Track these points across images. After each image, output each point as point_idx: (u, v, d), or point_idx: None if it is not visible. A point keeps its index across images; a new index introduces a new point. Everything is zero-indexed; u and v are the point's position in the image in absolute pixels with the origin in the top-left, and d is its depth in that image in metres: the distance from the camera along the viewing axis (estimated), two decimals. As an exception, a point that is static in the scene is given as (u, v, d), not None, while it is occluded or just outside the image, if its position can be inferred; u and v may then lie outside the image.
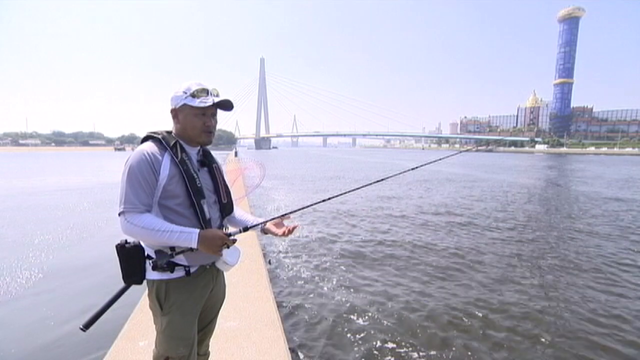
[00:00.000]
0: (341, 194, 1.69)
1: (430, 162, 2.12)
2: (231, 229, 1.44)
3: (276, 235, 1.46)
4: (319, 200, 1.65)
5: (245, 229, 1.40)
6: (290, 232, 1.45)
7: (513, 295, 3.82)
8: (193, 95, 1.30)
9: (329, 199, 1.65)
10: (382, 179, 1.81)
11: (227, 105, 1.38)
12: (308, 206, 1.66)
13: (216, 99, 1.33)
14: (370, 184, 1.81)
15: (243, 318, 2.74)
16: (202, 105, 1.30)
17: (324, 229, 6.87)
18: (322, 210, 8.57)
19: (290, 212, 1.54)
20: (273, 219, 1.48)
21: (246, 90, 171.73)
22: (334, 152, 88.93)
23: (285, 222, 1.52)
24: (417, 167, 1.99)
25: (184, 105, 1.32)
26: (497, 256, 5.17)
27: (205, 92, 1.32)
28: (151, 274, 1.31)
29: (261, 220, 1.50)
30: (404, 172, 2.02)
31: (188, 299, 1.34)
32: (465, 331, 3.10)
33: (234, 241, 1.32)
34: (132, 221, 1.19)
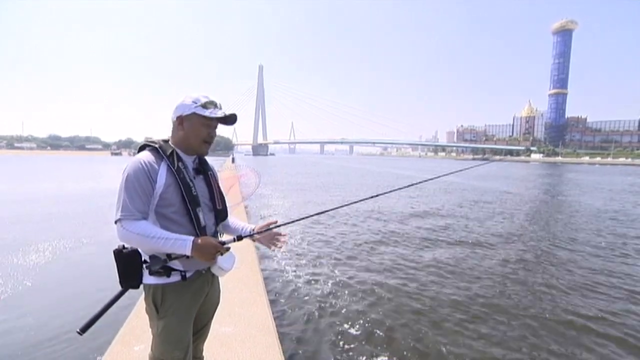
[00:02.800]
0: (334, 208, 1.71)
1: (453, 172, 2.14)
2: (225, 237, 1.47)
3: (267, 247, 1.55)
4: (314, 213, 1.68)
5: (240, 238, 1.43)
6: (276, 242, 1.54)
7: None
8: (204, 106, 1.36)
9: (324, 212, 1.68)
10: (386, 193, 1.82)
11: (232, 120, 1.44)
12: (302, 219, 1.69)
13: (227, 112, 1.40)
14: (369, 198, 1.79)
15: (238, 324, 2.75)
16: (212, 115, 1.36)
17: (320, 237, 6.88)
18: (319, 219, 8.58)
19: (284, 224, 1.55)
20: (263, 231, 1.50)
21: (244, 96, 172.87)
22: (331, 160, 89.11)
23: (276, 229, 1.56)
24: (435, 178, 2.00)
25: (193, 114, 1.35)
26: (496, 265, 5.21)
27: (214, 104, 1.39)
28: (148, 279, 1.34)
29: (252, 228, 1.54)
30: (421, 182, 2.00)
31: (184, 303, 1.37)
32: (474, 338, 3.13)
33: (228, 249, 1.35)
34: (127, 228, 1.22)
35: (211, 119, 1.37)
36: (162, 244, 1.23)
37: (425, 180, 1.99)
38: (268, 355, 2.35)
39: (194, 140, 1.39)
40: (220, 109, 1.40)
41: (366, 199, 1.78)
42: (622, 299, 4.02)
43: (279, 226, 1.54)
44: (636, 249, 6.20)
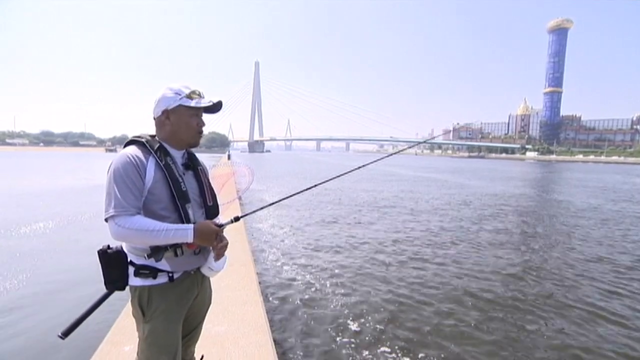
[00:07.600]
0: (314, 185, 1.75)
1: (371, 163, 2.13)
2: (222, 220, 1.44)
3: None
4: (299, 191, 1.68)
5: (237, 219, 1.41)
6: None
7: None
8: (189, 97, 1.33)
9: (303, 190, 1.70)
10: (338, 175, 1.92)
11: (217, 108, 1.43)
12: (284, 199, 1.70)
13: (214, 99, 1.38)
14: (330, 179, 1.86)
15: (231, 322, 2.71)
16: (198, 105, 1.34)
17: (312, 232, 6.87)
18: (310, 215, 8.57)
19: (266, 206, 1.60)
20: (257, 210, 1.58)
21: (240, 93, 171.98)
22: (326, 157, 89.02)
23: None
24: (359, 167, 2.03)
25: (179, 106, 1.32)
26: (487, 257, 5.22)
27: (197, 94, 1.36)
28: (134, 280, 1.29)
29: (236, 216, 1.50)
30: (348, 172, 2.00)
31: (171, 305, 1.32)
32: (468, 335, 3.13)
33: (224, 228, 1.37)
34: (123, 224, 1.16)
35: (198, 108, 1.36)
36: (163, 236, 1.19)
37: (349, 172, 1.97)
38: (261, 354, 2.32)
39: (186, 133, 1.36)
40: (204, 97, 1.39)
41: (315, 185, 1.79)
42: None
43: (263, 208, 1.62)
44: None
